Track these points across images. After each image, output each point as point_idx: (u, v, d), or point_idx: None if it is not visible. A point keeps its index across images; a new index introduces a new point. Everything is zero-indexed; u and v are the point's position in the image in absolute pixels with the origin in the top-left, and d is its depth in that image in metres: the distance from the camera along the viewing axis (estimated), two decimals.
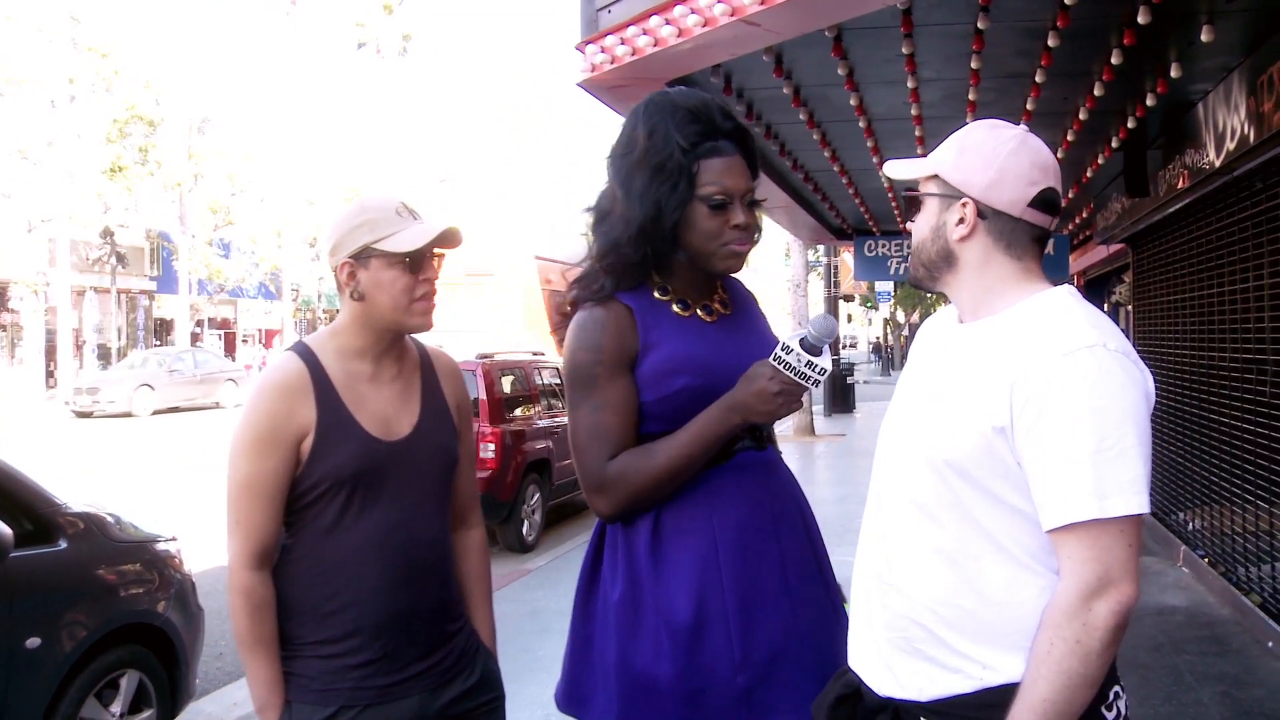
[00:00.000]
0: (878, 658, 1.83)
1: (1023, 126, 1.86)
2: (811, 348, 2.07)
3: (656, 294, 2.27)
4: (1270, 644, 5.62)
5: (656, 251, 2.20)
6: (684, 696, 2.14)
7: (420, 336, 2.39)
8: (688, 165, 2.15)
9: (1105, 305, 15.35)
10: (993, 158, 1.79)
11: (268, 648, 2.17)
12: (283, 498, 2.17)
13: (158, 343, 36.10)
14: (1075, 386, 1.63)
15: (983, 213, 1.80)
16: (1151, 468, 1.68)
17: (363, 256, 2.20)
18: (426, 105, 41.96)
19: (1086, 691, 1.61)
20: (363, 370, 2.28)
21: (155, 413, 25.19)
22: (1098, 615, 1.59)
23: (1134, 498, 1.60)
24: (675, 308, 2.26)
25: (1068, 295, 1.79)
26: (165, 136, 30.19)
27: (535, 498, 9.41)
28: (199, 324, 37.52)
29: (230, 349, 39.01)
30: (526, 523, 9.19)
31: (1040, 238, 1.82)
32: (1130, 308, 11.24)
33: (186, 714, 4.97)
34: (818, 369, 2.07)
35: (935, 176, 1.86)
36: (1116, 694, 1.73)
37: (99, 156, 29.07)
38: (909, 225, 1.94)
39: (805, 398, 2.22)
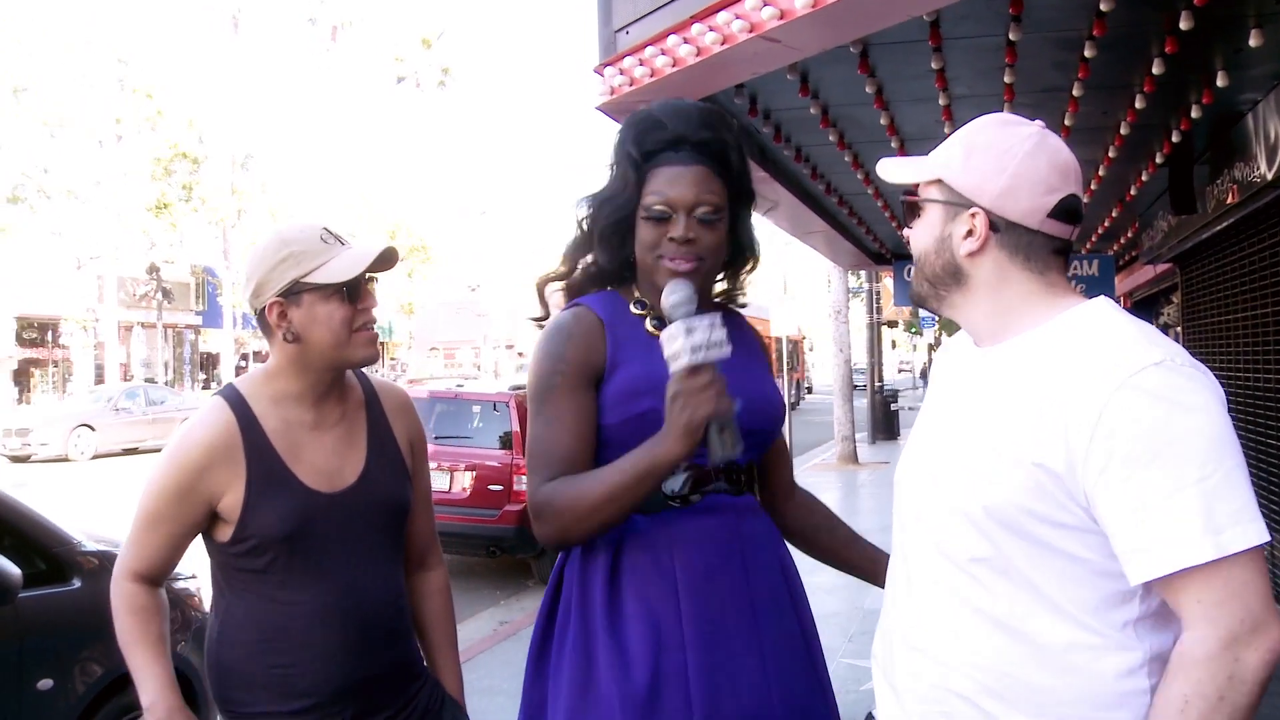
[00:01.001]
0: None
1: (1039, 122, 1.63)
2: (674, 326, 1.81)
3: (633, 308, 2.11)
4: None
5: (623, 263, 2.07)
6: None
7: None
8: (635, 173, 2.02)
9: (1154, 325, 15.02)
10: (1006, 161, 1.56)
11: (154, 647, 2.05)
12: (183, 539, 2.10)
13: (204, 376, 36.52)
14: (1152, 413, 1.39)
15: (995, 225, 1.57)
16: None
17: (292, 293, 2.02)
18: (465, 138, 42.33)
19: None
20: (302, 417, 2.10)
21: (96, 456, 21.85)
22: (1246, 665, 1.34)
23: (1251, 525, 1.37)
24: (649, 325, 2.08)
25: (1109, 307, 1.57)
26: (209, 173, 30.61)
27: None
28: (244, 357, 37.89)
29: None
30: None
31: (1061, 250, 1.59)
32: (1180, 329, 10.95)
33: None
34: (692, 344, 1.77)
35: (939, 181, 1.63)
36: None
37: (144, 194, 29.54)
38: (906, 232, 1.72)
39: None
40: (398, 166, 37.93)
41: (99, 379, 31.59)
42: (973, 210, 1.58)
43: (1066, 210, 1.57)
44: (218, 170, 30.76)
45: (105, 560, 4.37)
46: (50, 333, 32.86)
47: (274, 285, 2.01)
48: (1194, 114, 5.92)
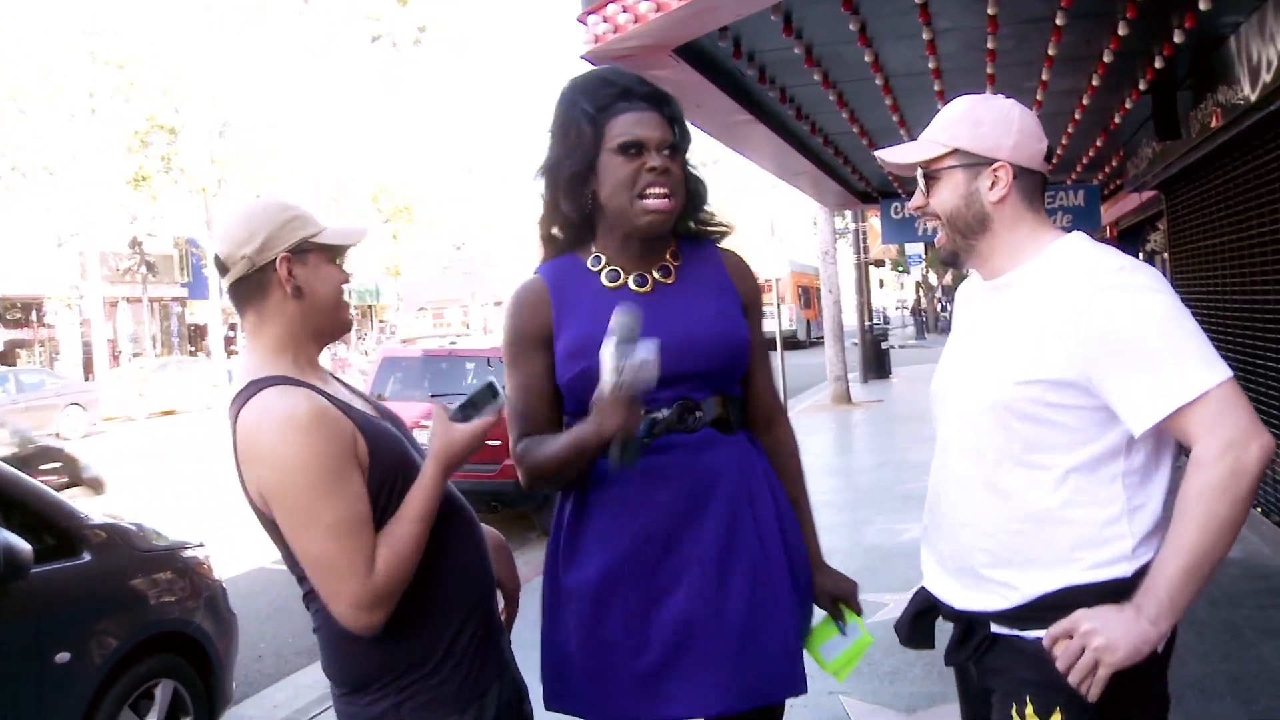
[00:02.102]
0: (948, 581, 2.06)
1: (1009, 98, 2.07)
2: (610, 346, 1.99)
3: (589, 264, 2.26)
4: None
5: (581, 218, 2.24)
6: (590, 674, 2.19)
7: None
8: (594, 124, 2.18)
9: (1140, 254, 15.06)
10: (1009, 122, 1.99)
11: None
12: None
13: (192, 349, 36.42)
14: (1124, 305, 1.83)
15: (1016, 172, 1.99)
16: None
17: (300, 251, 2.01)
18: (446, 96, 41.98)
19: (1229, 536, 1.75)
20: (323, 377, 2.10)
21: None
22: (1244, 461, 1.75)
23: (1218, 364, 1.80)
24: (604, 279, 2.25)
25: (1082, 238, 2.01)
26: (186, 143, 30.36)
27: None
28: (232, 327, 37.79)
29: None
30: None
31: (1041, 189, 2.05)
32: (1166, 255, 10.99)
33: (228, 717, 4.94)
34: (617, 368, 1.97)
35: (955, 151, 2.01)
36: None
37: (122, 167, 29.29)
38: (913, 206, 2.11)
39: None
40: (378, 128, 37.65)
41: (86, 356, 31.49)
42: (996, 165, 1.99)
43: (1048, 156, 2.09)
44: (195, 140, 30.51)
45: (112, 533, 4.41)
46: (35, 312, 32.68)
47: (284, 241, 2.00)
48: (1177, 39, 5.90)
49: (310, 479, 1.87)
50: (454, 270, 48.83)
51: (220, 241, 2.02)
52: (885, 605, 5.78)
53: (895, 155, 2.12)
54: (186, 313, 37.10)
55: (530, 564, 7.85)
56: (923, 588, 2.16)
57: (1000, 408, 1.92)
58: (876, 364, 22.84)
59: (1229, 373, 1.79)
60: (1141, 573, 1.82)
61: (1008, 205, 1.99)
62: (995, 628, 1.97)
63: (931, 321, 48.25)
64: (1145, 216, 13.32)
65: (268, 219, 2.01)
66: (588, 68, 4.68)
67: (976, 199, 2.00)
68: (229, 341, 35.75)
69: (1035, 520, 1.91)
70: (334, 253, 2.07)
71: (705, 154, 62.06)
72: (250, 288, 2.01)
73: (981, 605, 1.99)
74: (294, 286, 2.00)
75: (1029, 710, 1.90)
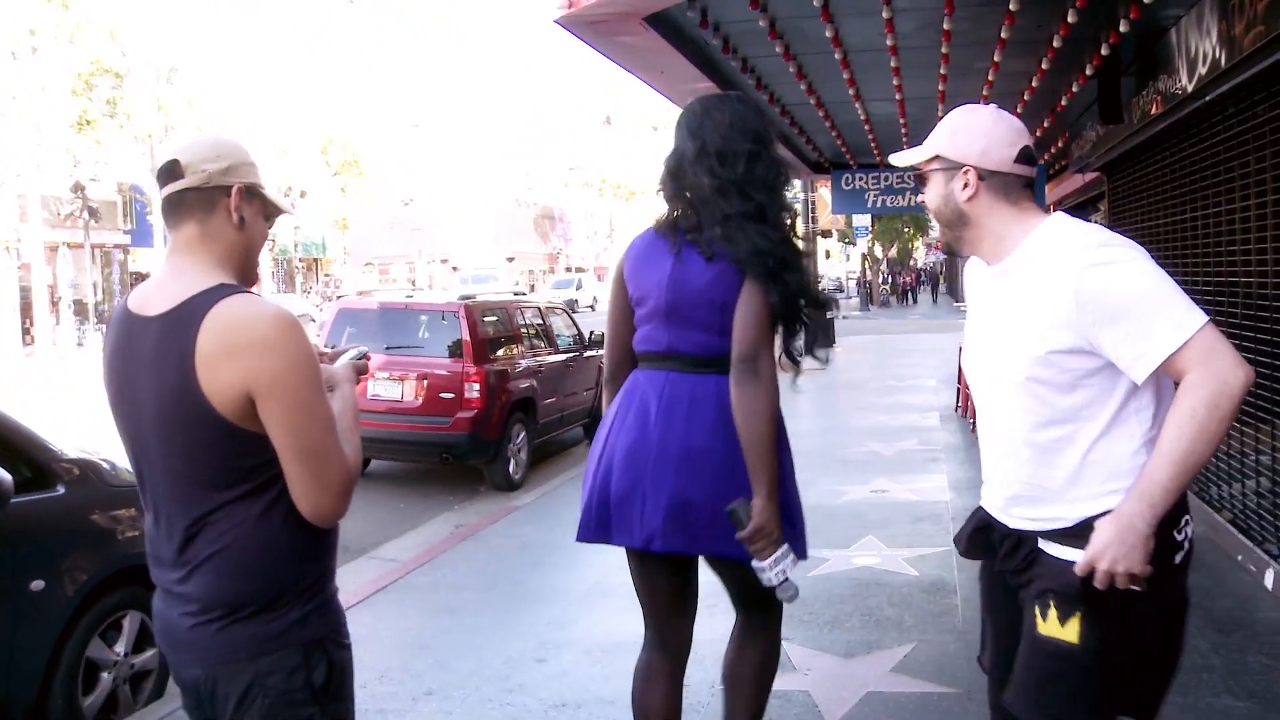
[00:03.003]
0: (1003, 509, 2.43)
1: (993, 105, 2.41)
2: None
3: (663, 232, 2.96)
4: (1239, 557, 5.79)
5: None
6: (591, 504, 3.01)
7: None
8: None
9: None
10: (979, 131, 2.33)
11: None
12: None
13: None
14: (1116, 274, 2.15)
15: (981, 175, 2.32)
16: None
17: (250, 193, 2.14)
18: (395, 50, 41.43)
19: (1211, 447, 2.10)
20: None
21: None
22: (1230, 385, 2.07)
23: (1195, 311, 2.12)
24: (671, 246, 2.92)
25: (1063, 219, 2.32)
26: (133, 88, 29.74)
27: (521, 436, 9.48)
28: None
29: None
30: (513, 461, 9.27)
31: (1029, 183, 2.36)
32: None
33: None
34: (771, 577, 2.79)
35: (937, 156, 2.37)
36: (1187, 521, 2.26)
37: (66, 110, 28.64)
38: (920, 199, 2.48)
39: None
40: (328, 80, 37.12)
41: (25, 301, 30.86)
42: (965, 168, 2.33)
43: (1026, 156, 2.34)
44: (142, 85, 29.89)
45: (85, 468, 4.51)
46: None
47: (243, 175, 2.12)
48: (1122, 28, 6.16)
49: (311, 373, 1.99)
50: (402, 226, 48.43)
51: (184, 152, 2.10)
52: (826, 560, 6.05)
53: (899, 159, 2.52)
54: (130, 260, 36.44)
55: (481, 514, 8.04)
56: (980, 508, 2.54)
57: (1026, 380, 2.26)
58: (823, 333, 23.11)
59: (1206, 317, 2.11)
60: None
61: (980, 203, 2.34)
62: (1041, 544, 2.33)
63: (875, 293, 48.75)
64: (1088, 197, 13.67)
65: (235, 151, 2.13)
66: (560, 31, 4.83)
67: (952, 198, 2.36)
68: None
69: (1072, 466, 2.27)
70: (270, 210, 2.20)
71: (658, 118, 61.57)
72: (199, 200, 2.08)
73: (1030, 528, 2.36)
74: (240, 216, 2.11)
75: (1052, 614, 2.27)
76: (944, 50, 6.96)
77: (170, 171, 2.08)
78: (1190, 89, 6.06)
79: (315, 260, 47.19)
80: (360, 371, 2.37)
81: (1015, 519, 2.40)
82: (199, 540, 2.02)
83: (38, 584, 4.03)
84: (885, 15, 6.07)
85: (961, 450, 9.97)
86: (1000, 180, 2.32)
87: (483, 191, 54.58)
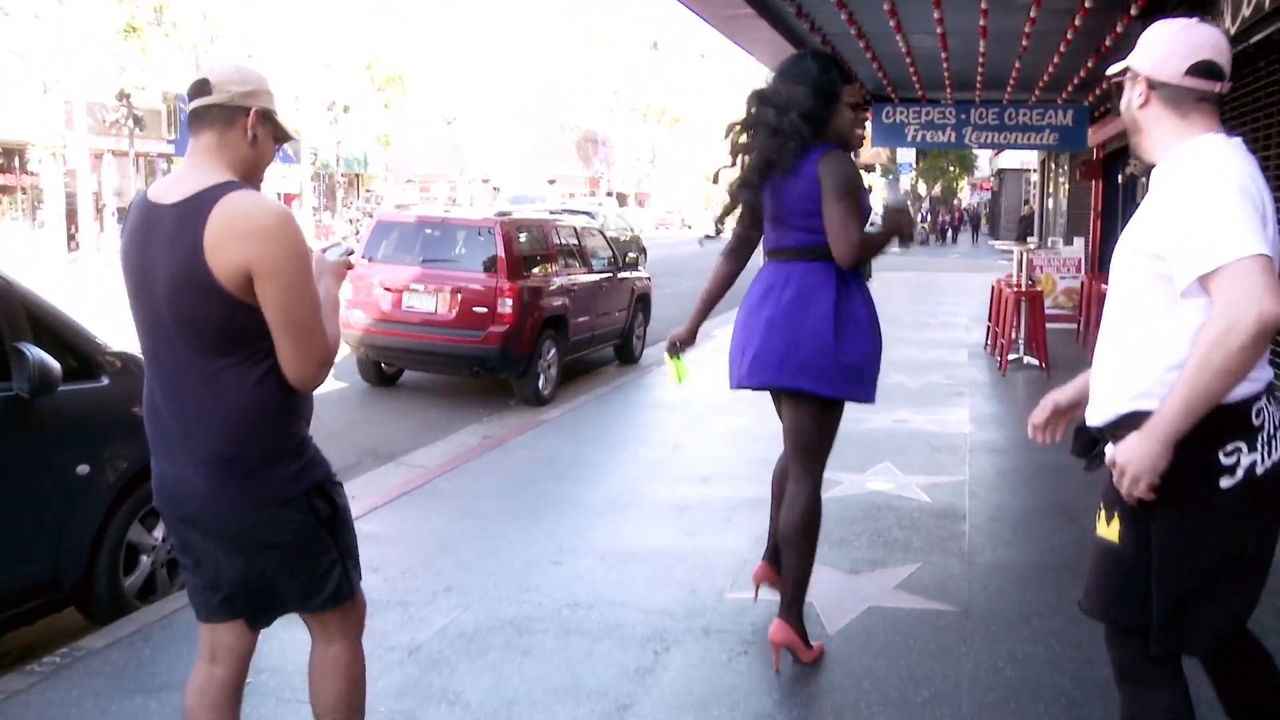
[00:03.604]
0: (1094, 406, 2.54)
1: (1193, 18, 2.46)
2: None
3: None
4: None
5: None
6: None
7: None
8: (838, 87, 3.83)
9: (1120, 176, 15.29)
10: (1160, 42, 2.41)
11: None
12: None
13: None
14: (1190, 181, 2.26)
15: (1153, 84, 2.40)
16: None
17: (265, 118, 2.47)
18: None
19: (1221, 381, 2.17)
20: None
21: None
22: (1245, 320, 2.11)
23: (1245, 241, 2.15)
24: None
25: (1212, 139, 2.36)
26: None
27: (551, 353, 9.65)
28: None
29: None
30: (542, 377, 9.46)
31: (1204, 97, 2.38)
32: (1144, 180, 11.21)
33: None
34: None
35: (1127, 68, 2.48)
36: (1238, 449, 2.29)
37: (113, 17, 28.73)
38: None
39: None
40: None
41: (70, 207, 31.25)
42: (1139, 77, 2.43)
43: (1205, 69, 2.36)
44: None
45: (127, 361, 4.71)
46: (18, 159, 32.32)
47: (262, 101, 2.46)
48: None
49: (303, 260, 2.34)
50: (443, 145, 48.35)
51: (213, 72, 2.43)
52: (840, 483, 6.20)
53: (1113, 69, 2.60)
54: (172, 168, 36.74)
55: (508, 426, 8.25)
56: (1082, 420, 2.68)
57: (1121, 275, 2.43)
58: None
59: (1255, 250, 2.14)
60: None
61: (1149, 111, 2.42)
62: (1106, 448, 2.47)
63: (914, 231, 48.22)
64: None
65: (257, 79, 2.47)
66: None
67: (1130, 107, 2.48)
68: None
69: (1125, 364, 2.41)
70: (279, 134, 2.52)
71: (706, 46, 60.44)
72: (221, 115, 2.41)
73: (1095, 421, 2.51)
74: (254, 135, 2.45)
75: (1101, 515, 2.46)
76: None
77: (200, 87, 2.41)
78: (1233, 31, 6.02)
79: (357, 176, 47.31)
80: (345, 268, 2.69)
81: (1091, 416, 2.53)
82: (207, 401, 2.36)
83: (83, 468, 4.26)
84: None
85: (987, 386, 10.06)
86: (1170, 92, 2.37)
87: (526, 113, 54.32)
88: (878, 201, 3.89)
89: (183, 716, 2.67)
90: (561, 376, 10.05)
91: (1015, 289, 11.24)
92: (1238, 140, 2.38)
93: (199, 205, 2.30)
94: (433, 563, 4.92)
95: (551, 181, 55.12)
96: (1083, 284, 13.42)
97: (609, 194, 63.75)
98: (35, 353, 3.95)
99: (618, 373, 11.48)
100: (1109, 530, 2.42)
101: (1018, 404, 9.29)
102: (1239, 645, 2.54)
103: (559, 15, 52.75)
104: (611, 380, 10.67)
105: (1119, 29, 8.41)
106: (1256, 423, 2.30)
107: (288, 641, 4.07)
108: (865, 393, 3.81)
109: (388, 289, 9.35)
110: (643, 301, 12.33)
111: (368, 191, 47.46)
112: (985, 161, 53.61)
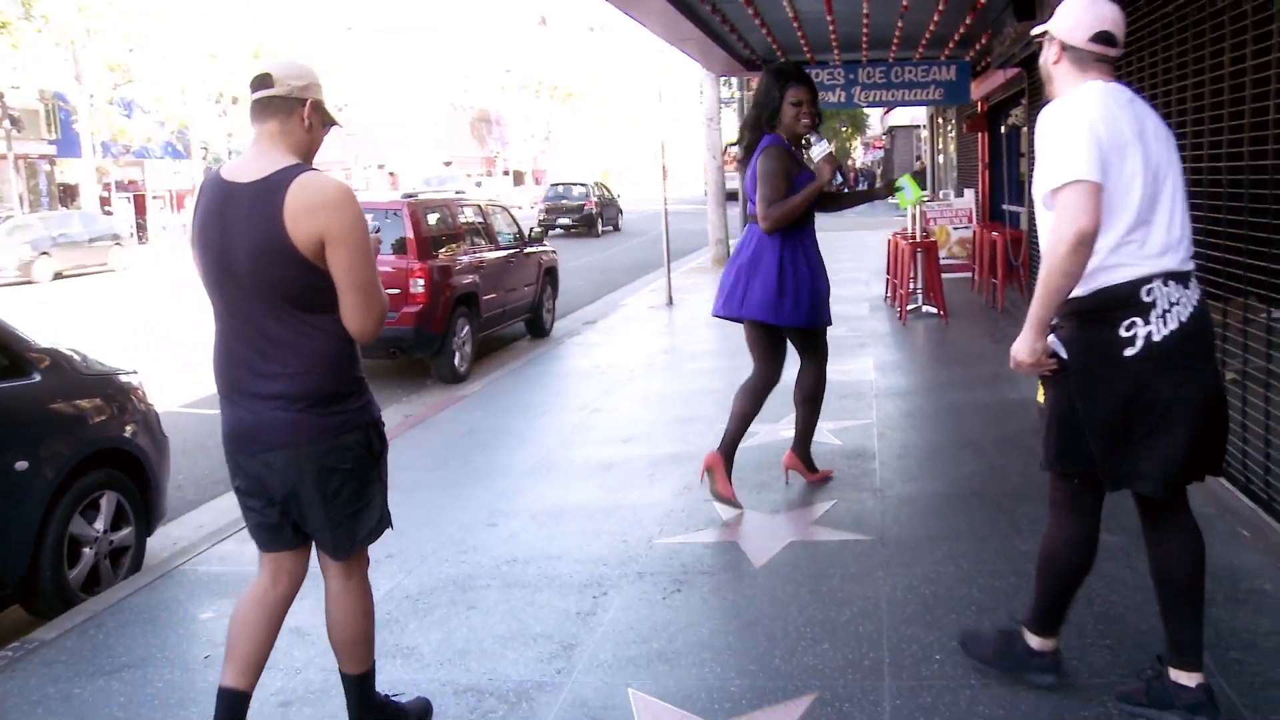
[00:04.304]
0: None
1: None
2: (819, 145, 5.08)
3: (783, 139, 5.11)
4: None
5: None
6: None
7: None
8: (779, 89, 5.07)
9: (1003, 127, 15.86)
10: (1071, 14, 2.94)
11: None
12: None
13: (62, 208, 35.17)
14: (1046, 121, 2.85)
15: (1064, 46, 2.94)
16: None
17: (320, 106, 2.88)
18: None
19: (1063, 280, 2.75)
20: None
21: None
22: (1066, 235, 2.71)
23: (1075, 169, 2.72)
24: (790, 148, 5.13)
25: (1090, 86, 2.87)
26: None
27: (465, 330, 9.81)
28: (106, 187, 36.52)
29: (140, 211, 38.05)
30: (457, 354, 9.62)
31: (1101, 59, 2.91)
32: (1025, 129, 11.71)
33: (158, 535, 5.41)
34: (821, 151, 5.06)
35: (1047, 31, 3.02)
36: (1134, 323, 2.81)
37: None
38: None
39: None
40: None
41: None
42: (1052, 39, 2.98)
43: (1104, 38, 2.90)
44: None
45: (56, 357, 4.80)
46: None
47: (316, 93, 2.87)
48: None
49: (364, 229, 2.78)
50: (337, 133, 47.53)
51: (275, 68, 2.83)
52: (756, 434, 6.48)
53: (1037, 29, 3.10)
54: (56, 171, 35.67)
55: (429, 404, 8.39)
56: None
57: (1039, 204, 2.97)
58: None
59: (1081, 175, 2.71)
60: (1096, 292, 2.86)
61: (1060, 67, 2.97)
62: None
63: None
64: (1011, 93, 14.06)
65: (311, 73, 2.88)
66: None
67: (1046, 62, 3.03)
68: (104, 202, 34.60)
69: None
70: (327, 120, 2.93)
71: (594, 19, 60.28)
72: (282, 105, 2.82)
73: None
74: (309, 123, 2.86)
75: (1039, 388, 3.13)
76: None
77: (262, 81, 2.81)
78: None
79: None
80: (376, 244, 3.01)
81: None
82: (285, 350, 2.78)
83: (22, 464, 4.34)
84: None
85: (888, 336, 10.47)
86: (1076, 54, 2.92)
87: (418, 96, 53.71)
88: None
89: (232, 623, 2.99)
90: (476, 353, 10.21)
91: (911, 241, 11.67)
92: (1114, 86, 2.89)
93: (275, 184, 2.70)
94: None
95: (448, 163, 54.68)
96: (975, 233, 13.94)
97: (505, 173, 63.45)
98: None
99: (530, 346, 11.67)
100: (1040, 396, 3.10)
101: (918, 351, 9.72)
102: (1175, 520, 3.03)
103: None
104: (525, 354, 10.86)
105: None
106: (1148, 300, 2.81)
107: None
108: (804, 319, 5.13)
109: None
110: (550, 275, 12.51)
111: None
112: (877, 120, 54.59)
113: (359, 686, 3.07)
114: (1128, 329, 2.81)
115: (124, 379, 5.19)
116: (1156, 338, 2.81)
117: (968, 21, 11.00)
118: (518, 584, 4.40)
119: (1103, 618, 3.75)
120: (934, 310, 11.49)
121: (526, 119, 69.60)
